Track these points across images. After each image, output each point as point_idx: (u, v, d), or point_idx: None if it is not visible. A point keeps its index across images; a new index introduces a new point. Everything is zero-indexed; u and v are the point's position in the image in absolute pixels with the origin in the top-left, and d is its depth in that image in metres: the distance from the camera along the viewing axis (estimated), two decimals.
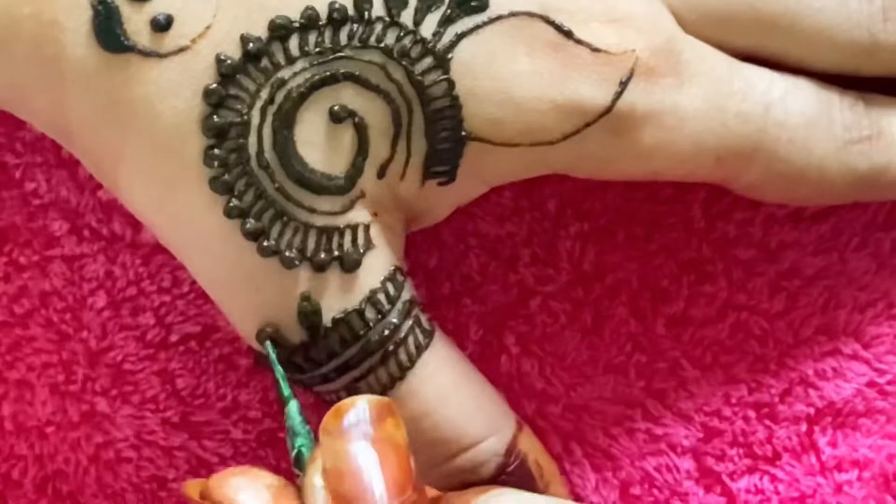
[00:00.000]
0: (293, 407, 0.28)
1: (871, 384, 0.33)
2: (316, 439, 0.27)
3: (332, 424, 0.26)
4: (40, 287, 0.34)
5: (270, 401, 0.34)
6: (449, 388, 0.30)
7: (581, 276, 0.34)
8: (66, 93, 0.28)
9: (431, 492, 0.29)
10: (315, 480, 0.26)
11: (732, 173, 0.30)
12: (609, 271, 0.34)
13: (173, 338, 0.34)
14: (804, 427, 0.33)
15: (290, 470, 0.33)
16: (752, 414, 0.34)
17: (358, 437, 0.26)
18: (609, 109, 0.28)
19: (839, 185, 0.30)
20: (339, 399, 0.29)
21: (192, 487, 0.27)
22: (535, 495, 0.29)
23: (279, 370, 0.29)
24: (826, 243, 0.34)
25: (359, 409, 0.26)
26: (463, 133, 0.28)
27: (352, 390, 0.30)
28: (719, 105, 0.29)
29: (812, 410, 0.33)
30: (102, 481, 0.34)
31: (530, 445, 0.31)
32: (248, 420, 0.34)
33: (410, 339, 0.30)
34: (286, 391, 0.28)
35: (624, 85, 0.28)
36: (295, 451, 0.28)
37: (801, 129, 0.30)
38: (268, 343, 0.29)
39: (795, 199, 0.32)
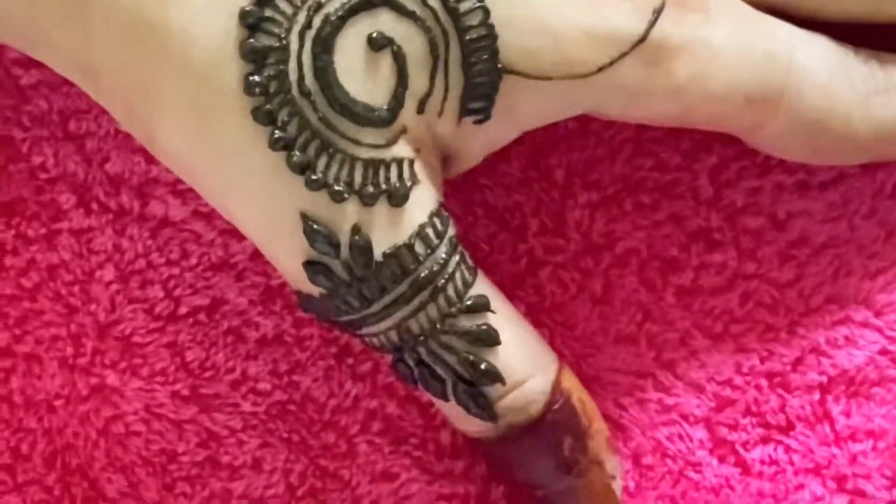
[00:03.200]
0: None
1: (883, 352, 0.33)
2: None
3: None
4: (48, 260, 0.34)
5: (280, 373, 0.34)
6: (497, 326, 0.30)
7: (590, 246, 0.34)
8: (93, 24, 0.28)
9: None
10: None
11: (760, 118, 0.30)
12: (618, 241, 0.34)
13: (182, 310, 0.34)
14: (817, 396, 0.33)
15: (300, 443, 0.33)
16: (764, 383, 0.33)
17: None
18: (643, 38, 0.28)
19: (862, 134, 0.30)
20: (387, 342, 0.29)
21: None
22: None
23: None
24: (835, 211, 0.33)
25: None
26: (499, 65, 0.28)
27: (402, 329, 0.29)
28: (748, 42, 0.29)
29: (825, 379, 0.33)
30: (112, 455, 0.34)
31: (572, 383, 0.31)
32: (257, 392, 0.34)
33: (458, 275, 0.29)
34: None
35: (657, 14, 0.28)
36: None
37: (825, 75, 0.30)
38: None
39: (817, 154, 0.32)
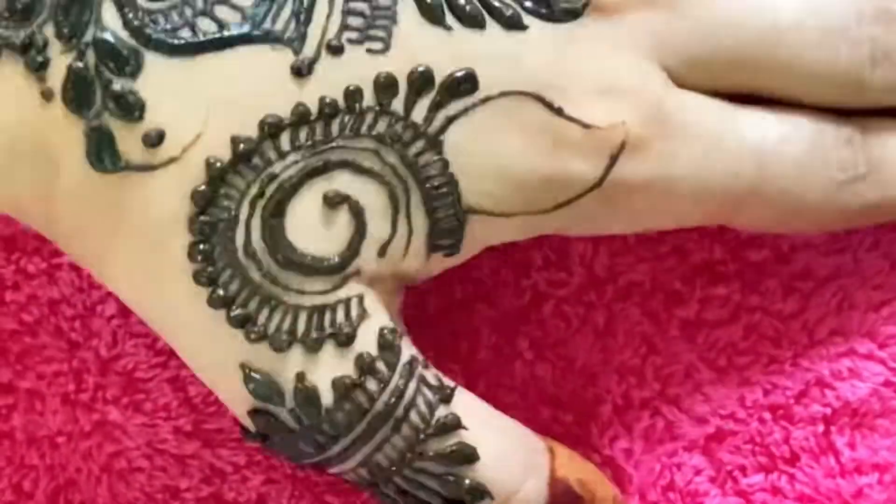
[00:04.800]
0: None
1: (887, 384, 0.33)
2: None
3: None
4: (49, 295, 0.34)
5: None
6: (473, 441, 0.29)
7: (593, 279, 0.34)
8: (58, 207, 0.28)
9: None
10: None
11: (719, 222, 0.31)
12: (621, 273, 0.34)
13: None
14: (821, 428, 0.33)
15: (305, 479, 0.33)
16: (767, 416, 0.33)
17: None
18: (599, 183, 0.28)
19: (831, 223, 0.31)
20: (359, 479, 0.29)
21: None
22: None
23: None
24: (838, 244, 0.33)
25: None
26: (463, 208, 0.28)
27: (370, 465, 0.29)
28: (710, 166, 0.29)
29: (829, 411, 0.33)
30: (115, 491, 0.34)
31: (567, 466, 0.31)
32: None
33: (419, 400, 0.29)
34: None
35: (614, 158, 0.28)
36: None
37: (794, 178, 0.30)
38: None
39: (789, 233, 0.32)
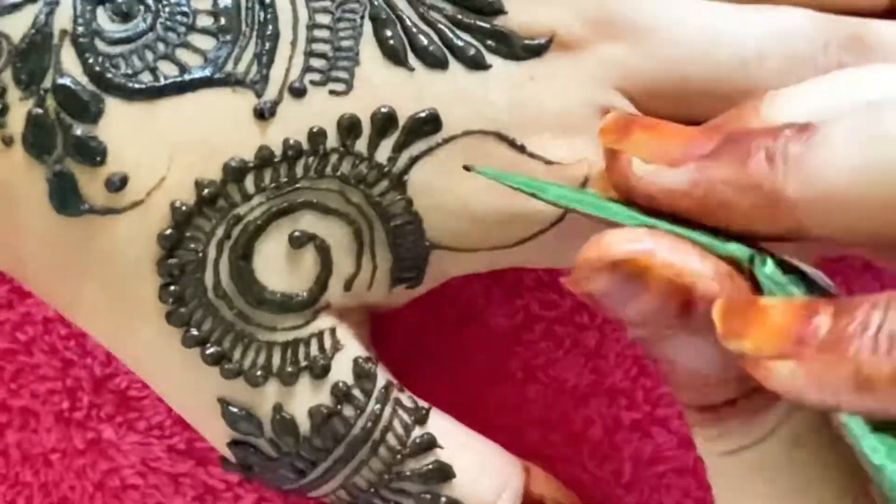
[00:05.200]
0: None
1: None
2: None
3: None
4: (44, 313, 0.34)
5: None
6: (448, 459, 0.30)
7: (584, 301, 0.34)
8: (24, 250, 0.28)
9: None
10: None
11: None
12: None
13: None
14: None
15: (297, 499, 0.33)
16: None
17: None
18: (561, 219, 0.29)
19: None
20: (339, 500, 0.30)
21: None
22: None
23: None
24: (830, 267, 0.33)
25: None
26: (427, 243, 0.29)
27: (349, 486, 0.29)
28: None
29: None
30: None
31: (543, 486, 0.31)
32: None
33: (395, 422, 0.29)
34: None
35: None
36: None
37: None
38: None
39: None
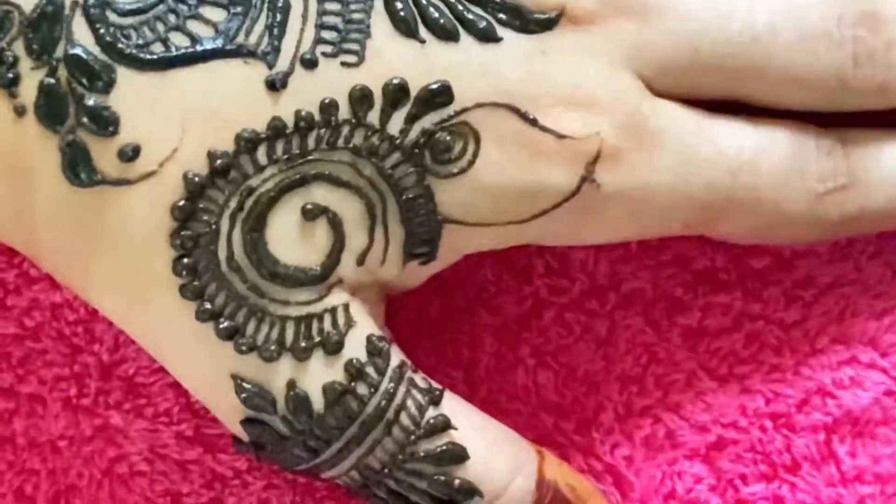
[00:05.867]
0: None
1: (888, 393, 0.33)
2: None
3: None
4: (51, 299, 0.34)
5: None
6: (462, 441, 0.30)
7: (595, 287, 0.34)
8: (36, 224, 0.28)
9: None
10: None
11: (700, 231, 0.31)
12: (623, 281, 0.34)
13: None
14: (822, 436, 0.33)
15: (306, 484, 0.33)
16: (769, 424, 0.33)
17: None
18: (575, 192, 0.29)
19: (810, 234, 0.31)
20: (351, 482, 0.29)
21: None
22: None
23: None
24: (840, 252, 0.33)
25: None
26: (438, 217, 0.28)
27: (362, 467, 0.29)
28: (686, 177, 0.29)
29: (830, 420, 0.33)
30: (116, 496, 0.34)
31: (557, 471, 0.31)
32: None
33: (409, 402, 0.29)
34: None
35: (590, 168, 0.28)
36: None
37: (771, 190, 0.30)
38: None
39: (772, 243, 0.32)
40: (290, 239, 0.28)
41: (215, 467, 0.34)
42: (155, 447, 0.34)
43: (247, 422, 0.29)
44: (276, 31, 0.28)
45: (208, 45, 0.27)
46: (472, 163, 0.28)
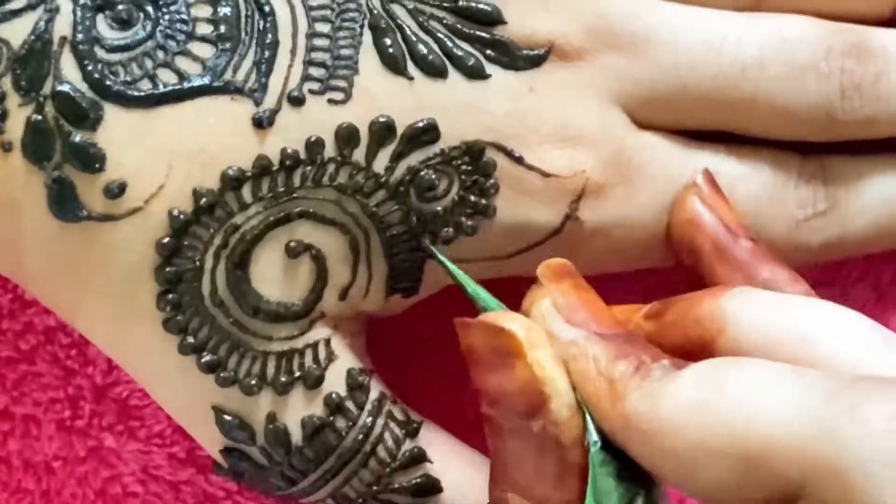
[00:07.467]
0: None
1: None
2: None
3: None
4: (45, 323, 0.34)
5: None
6: (438, 472, 0.30)
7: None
8: (25, 256, 0.28)
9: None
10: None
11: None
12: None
13: None
14: None
15: None
16: None
17: None
18: (558, 230, 0.29)
19: (791, 260, 0.30)
20: None
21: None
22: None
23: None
24: (827, 274, 0.34)
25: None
26: (422, 253, 0.29)
27: (338, 497, 0.30)
28: (668, 208, 0.30)
29: None
30: None
31: None
32: None
33: (387, 435, 0.30)
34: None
35: (574, 206, 0.29)
36: None
37: (752, 217, 0.30)
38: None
39: None
40: (274, 275, 0.28)
41: (207, 488, 0.34)
42: (148, 468, 0.35)
43: (226, 451, 0.30)
44: (263, 67, 0.28)
45: (196, 82, 0.27)
46: (455, 201, 0.28)
